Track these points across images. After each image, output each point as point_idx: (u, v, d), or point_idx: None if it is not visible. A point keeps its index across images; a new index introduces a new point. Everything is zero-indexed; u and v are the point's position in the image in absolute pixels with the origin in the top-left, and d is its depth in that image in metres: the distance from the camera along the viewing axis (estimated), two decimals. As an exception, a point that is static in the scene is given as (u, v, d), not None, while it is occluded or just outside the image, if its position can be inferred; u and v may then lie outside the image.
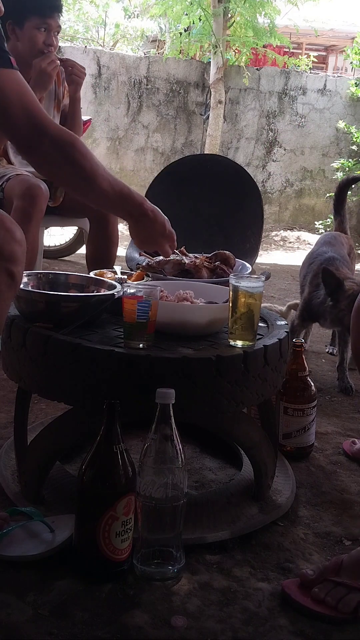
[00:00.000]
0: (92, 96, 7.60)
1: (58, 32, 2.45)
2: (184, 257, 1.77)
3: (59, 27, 2.45)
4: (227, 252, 1.84)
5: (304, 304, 2.48)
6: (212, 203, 2.74)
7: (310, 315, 2.47)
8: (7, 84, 1.22)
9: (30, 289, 1.44)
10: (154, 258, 1.76)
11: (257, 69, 8.18)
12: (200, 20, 7.90)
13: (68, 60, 2.53)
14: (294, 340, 1.81)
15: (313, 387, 1.80)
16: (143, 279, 1.69)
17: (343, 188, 2.82)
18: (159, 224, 1.48)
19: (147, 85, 7.81)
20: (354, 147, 7.91)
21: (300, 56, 10.03)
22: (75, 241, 4.56)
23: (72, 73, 2.52)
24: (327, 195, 7.63)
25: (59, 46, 7.36)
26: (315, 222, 7.74)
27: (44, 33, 2.39)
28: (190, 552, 1.27)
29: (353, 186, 7.91)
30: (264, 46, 8.14)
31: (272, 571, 1.27)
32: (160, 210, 1.49)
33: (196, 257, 1.80)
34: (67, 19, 11.90)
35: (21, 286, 1.29)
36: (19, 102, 1.25)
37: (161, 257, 1.76)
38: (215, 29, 7.51)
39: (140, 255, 1.90)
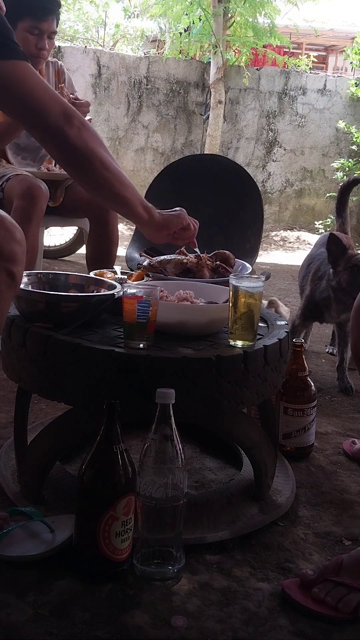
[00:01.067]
0: (92, 96, 7.59)
1: (53, 36, 2.42)
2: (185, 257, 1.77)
3: (54, 31, 2.38)
4: (227, 251, 1.84)
5: (306, 301, 2.47)
6: (212, 203, 2.73)
7: (314, 311, 2.45)
8: (29, 75, 1.23)
9: (30, 289, 1.44)
10: (155, 258, 1.76)
11: (257, 69, 8.18)
12: (200, 20, 7.89)
13: (77, 102, 2.38)
14: (294, 340, 1.81)
15: (313, 387, 1.80)
16: (143, 279, 1.69)
17: (345, 190, 2.81)
18: (175, 214, 1.52)
19: (147, 85, 7.81)
20: (354, 147, 7.90)
21: (300, 56, 10.03)
22: (75, 241, 4.56)
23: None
24: (327, 195, 7.63)
25: (59, 46, 7.39)
26: (315, 222, 7.74)
27: (36, 36, 2.33)
28: (190, 552, 1.27)
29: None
30: (264, 46, 8.14)
31: (272, 571, 1.27)
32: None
33: (198, 257, 1.80)
34: (67, 19, 11.90)
35: (21, 286, 1.29)
36: (46, 91, 1.26)
37: (163, 257, 1.76)
38: (215, 29, 7.51)
39: (140, 255, 1.89)
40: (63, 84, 2.51)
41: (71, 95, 2.37)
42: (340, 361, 2.46)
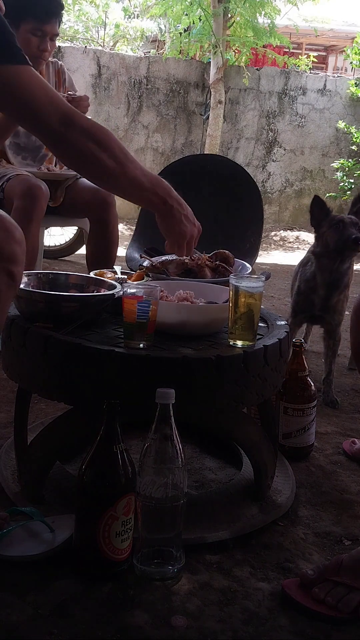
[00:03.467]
0: (92, 96, 7.58)
1: (55, 38, 2.42)
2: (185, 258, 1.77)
3: (56, 33, 2.38)
4: (227, 251, 1.84)
5: (295, 295, 2.39)
6: (212, 203, 2.73)
7: (302, 303, 2.35)
8: (29, 79, 1.22)
9: (30, 289, 1.44)
10: (156, 258, 1.76)
11: (257, 69, 8.18)
12: (200, 20, 7.89)
13: (75, 97, 2.37)
14: (293, 340, 1.81)
15: (313, 387, 1.80)
16: (143, 279, 1.69)
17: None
18: (188, 211, 1.47)
19: (147, 85, 7.81)
20: (354, 147, 7.91)
21: (300, 56, 10.03)
22: (75, 241, 4.56)
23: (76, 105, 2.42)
24: (327, 195, 7.63)
25: (59, 46, 7.39)
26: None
27: (39, 38, 2.34)
28: (190, 552, 1.27)
29: (353, 186, 7.90)
30: (264, 46, 8.14)
31: (272, 571, 1.27)
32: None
33: (198, 258, 1.80)
34: (67, 19, 11.89)
35: (21, 286, 1.29)
36: (45, 96, 1.25)
37: (164, 257, 1.76)
38: (215, 29, 7.51)
39: (140, 257, 1.89)
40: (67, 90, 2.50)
41: (67, 94, 2.35)
42: (327, 373, 2.34)
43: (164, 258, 1.75)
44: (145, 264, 1.76)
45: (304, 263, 2.41)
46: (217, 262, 1.79)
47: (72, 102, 2.36)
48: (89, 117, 1.43)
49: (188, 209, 1.48)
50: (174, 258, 1.74)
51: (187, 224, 1.48)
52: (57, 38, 2.44)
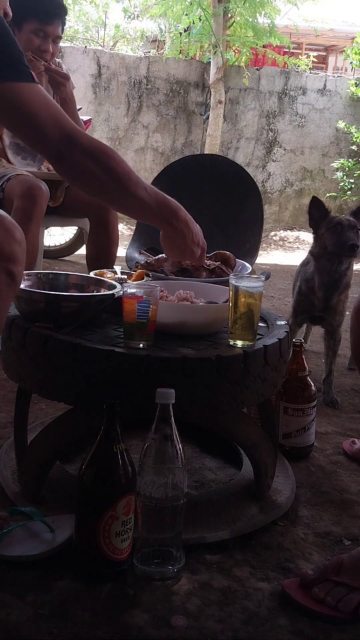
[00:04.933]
0: (92, 96, 7.60)
1: (58, 40, 2.42)
2: None
3: (59, 36, 2.39)
4: (228, 252, 1.84)
5: (296, 295, 2.40)
6: (212, 203, 2.74)
7: (303, 303, 2.35)
8: (34, 98, 1.22)
9: (30, 289, 1.44)
10: (154, 257, 1.76)
11: (257, 69, 8.18)
12: (200, 20, 7.90)
13: (50, 68, 2.41)
14: (293, 340, 1.81)
15: (313, 387, 1.80)
16: (143, 278, 1.69)
17: None
18: (194, 232, 1.43)
19: (147, 85, 7.82)
20: (354, 147, 7.91)
21: (300, 56, 10.04)
22: (75, 241, 4.56)
23: (53, 79, 2.42)
24: (327, 195, 7.63)
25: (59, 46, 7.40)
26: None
27: (41, 38, 2.35)
28: (190, 552, 1.27)
29: (353, 186, 7.89)
30: (264, 46, 8.15)
31: (272, 571, 1.27)
32: (193, 220, 1.43)
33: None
34: (67, 19, 11.88)
35: (21, 286, 1.29)
36: (48, 114, 1.24)
37: (160, 255, 1.76)
38: (215, 29, 7.51)
39: (140, 253, 1.90)
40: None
41: (44, 64, 2.36)
42: (327, 373, 2.33)
43: (160, 256, 1.75)
44: (141, 260, 1.76)
45: (305, 263, 2.41)
46: (215, 264, 1.78)
47: (47, 71, 2.39)
48: (92, 136, 1.40)
49: (195, 229, 1.43)
50: None
51: (191, 245, 1.44)
52: (60, 41, 2.45)
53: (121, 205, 1.41)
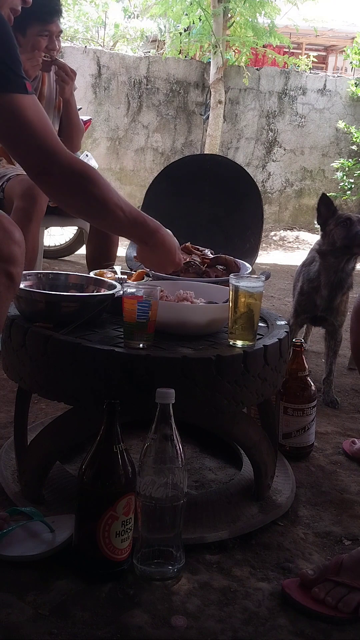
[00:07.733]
0: (92, 96, 7.60)
1: (60, 35, 2.46)
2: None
3: (60, 31, 2.45)
4: (230, 257, 1.83)
5: (297, 295, 2.39)
6: (212, 203, 2.74)
7: (305, 303, 2.35)
8: (23, 110, 1.20)
9: (30, 289, 1.45)
10: None
11: (257, 69, 8.18)
12: (200, 20, 7.91)
13: (58, 61, 2.49)
14: (293, 340, 1.81)
15: (313, 387, 1.80)
16: (143, 278, 1.69)
17: None
18: (170, 252, 1.46)
19: (147, 85, 7.82)
20: (354, 147, 7.91)
21: (300, 56, 10.03)
22: (75, 241, 4.57)
23: (59, 75, 2.49)
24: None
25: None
26: (315, 222, 7.73)
27: (46, 38, 2.39)
28: (190, 552, 1.27)
29: (352, 186, 7.90)
30: (264, 46, 8.15)
31: (272, 571, 1.27)
32: (172, 236, 1.46)
33: (202, 256, 1.80)
34: (67, 19, 11.90)
35: (21, 286, 1.28)
36: (31, 128, 1.22)
37: None
38: (215, 29, 7.51)
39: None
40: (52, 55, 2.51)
41: (45, 56, 2.42)
42: (327, 373, 2.33)
43: None
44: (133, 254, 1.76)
45: (307, 263, 2.41)
46: (205, 268, 1.77)
47: (51, 63, 2.46)
48: (77, 155, 1.40)
49: (171, 247, 1.45)
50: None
51: (164, 263, 1.49)
52: (61, 34, 2.49)
53: (98, 224, 1.52)
